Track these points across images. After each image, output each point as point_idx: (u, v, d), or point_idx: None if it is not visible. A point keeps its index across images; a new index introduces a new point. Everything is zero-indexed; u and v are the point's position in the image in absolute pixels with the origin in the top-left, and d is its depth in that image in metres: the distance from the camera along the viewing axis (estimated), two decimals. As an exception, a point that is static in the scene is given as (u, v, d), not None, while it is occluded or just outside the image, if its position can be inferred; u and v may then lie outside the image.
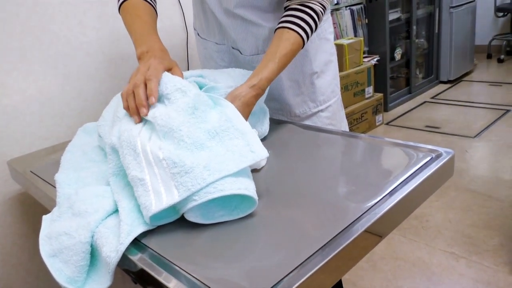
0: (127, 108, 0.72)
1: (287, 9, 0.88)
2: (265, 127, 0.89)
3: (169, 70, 0.76)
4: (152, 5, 0.94)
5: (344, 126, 1.14)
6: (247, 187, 0.60)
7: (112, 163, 0.67)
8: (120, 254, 0.55)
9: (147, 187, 0.58)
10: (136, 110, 0.70)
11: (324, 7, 0.88)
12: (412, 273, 1.60)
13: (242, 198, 0.60)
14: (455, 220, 1.87)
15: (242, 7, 0.92)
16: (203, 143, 0.63)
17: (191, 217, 0.59)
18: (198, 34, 1.11)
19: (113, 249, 0.56)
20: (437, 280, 1.55)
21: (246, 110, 0.78)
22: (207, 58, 1.09)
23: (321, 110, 1.05)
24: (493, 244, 1.69)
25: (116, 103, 0.80)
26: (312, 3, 0.86)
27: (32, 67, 1.18)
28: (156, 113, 0.67)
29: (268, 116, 0.91)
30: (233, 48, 1.00)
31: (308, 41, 0.96)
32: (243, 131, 0.66)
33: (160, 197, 0.57)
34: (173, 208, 0.59)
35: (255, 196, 0.60)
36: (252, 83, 0.80)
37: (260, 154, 0.64)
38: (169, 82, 0.71)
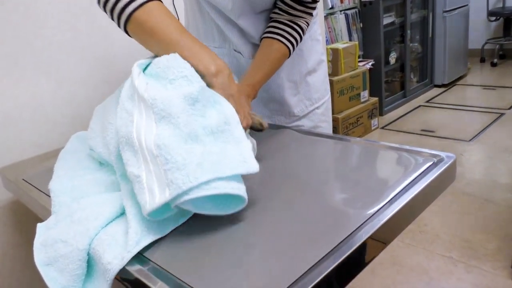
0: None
1: (276, 21, 0.93)
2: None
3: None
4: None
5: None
6: (239, 187, 0.59)
7: (119, 169, 0.66)
8: (125, 262, 0.54)
9: (143, 184, 0.57)
10: None
11: (308, 24, 0.96)
12: (410, 278, 1.59)
13: (229, 197, 0.60)
14: (452, 224, 1.87)
15: (244, 16, 0.93)
16: (198, 136, 0.62)
17: (183, 205, 0.57)
18: (193, 41, 1.09)
19: (116, 256, 0.55)
20: (435, 285, 1.54)
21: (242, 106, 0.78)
22: None
23: (317, 108, 1.10)
24: (491, 248, 1.68)
25: (102, 113, 0.79)
26: (301, 22, 0.93)
27: (24, 73, 1.16)
28: (157, 95, 0.64)
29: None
30: (235, 50, 1.01)
31: (303, 42, 0.99)
32: (238, 139, 0.65)
33: (153, 195, 0.56)
34: (169, 204, 0.58)
35: (246, 196, 0.59)
36: (249, 83, 0.87)
37: (252, 166, 0.61)
38: (177, 67, 0.67)
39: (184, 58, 0.69)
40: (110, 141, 0.67)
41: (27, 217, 1.18)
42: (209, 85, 0.69)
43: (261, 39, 0.94)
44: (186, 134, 0.61)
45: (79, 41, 1.26)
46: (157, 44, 0.71)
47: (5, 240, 1.17)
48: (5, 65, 1.12)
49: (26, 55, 1.15)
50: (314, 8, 0.94)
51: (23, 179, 0.93)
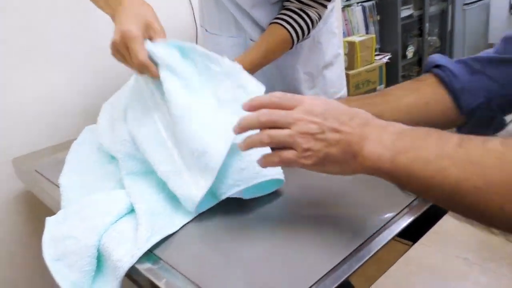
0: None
1: (286, 8, 0.91)
2: None
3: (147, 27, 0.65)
4: None
5: None
6: (280, 172, 0.61)
7: (126, 165, 0.64)
8: (134, 260, 0.53)
9: (184, 179, 0.58)
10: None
11: (320, 16, 0.92)
12: (423, 279, 1.56)
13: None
14: (469, 225, 1.83)
15: (257, 7, 0.92)
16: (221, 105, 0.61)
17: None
18: (207, 30, 1.08)
19: (126, 253, 0.54)
20: (450, 287, 1.51)
21: None
22: (219, 54, 1.07)
23: None
24: (509, 251, 1.64)
25: (110, 110, 0.78)
26: (311, 12, 0.90)
27: (38, 65, 1.15)
28: (171, 97, 0.61)
29: None
30: (251, 40, 0.99)
31: (319, 34, 0.97)
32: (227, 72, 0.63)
33: (199, 186, 0.57)
34: (213, 194, 0.59)
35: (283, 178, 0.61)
36: (239, 60, 0.84)
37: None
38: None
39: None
40: (118, 139, 0.66)
41: (40, 207, 1.18)
42: None
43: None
44: (214, 109, 0.60)
45: (92, 32, 1.25)
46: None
47: (18, 229, 1.18)
48: (18, 56, 1.12)
49: (39, 47, 1.15)
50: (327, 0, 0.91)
51: (36, 170, 0.92)
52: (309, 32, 0.92)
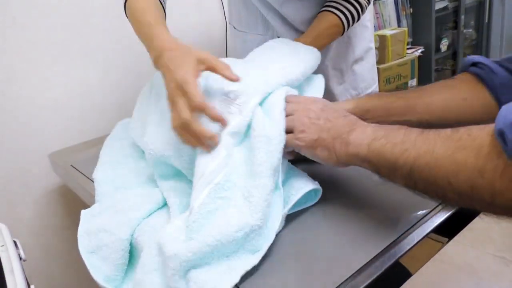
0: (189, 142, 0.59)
1: None
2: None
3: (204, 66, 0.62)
4: (160, 2, 0.84)
5: None
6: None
7: (159, 168, 0.65)
8: None
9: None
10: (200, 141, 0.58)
11: (369, 1, 0.91)
12: (457, 278, 1.51)
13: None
14: (505, 221, 1.76)
15: (287, 4, 0.91)
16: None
17: None
18: (235, 28, 1.08)
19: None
20: (485, 286, 1.46)
21: None
22: (247, 52, 1.06)
23: None
24: (549, 250, 1.57)
25: (141, 101, 0.81)
26: None
27: (73, 61, 1.19)
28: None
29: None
30: (278, 37, 0.98)
31: (350, 29, 0.95)
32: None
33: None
34: None
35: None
36: None
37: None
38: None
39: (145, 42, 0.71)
40: (149, 145, 0.66)
41: (75, 201, 1.23)
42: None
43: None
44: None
45: (126, 29, 1.27)
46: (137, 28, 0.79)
47: (54, 222, 1.22)
48: (54, 53, 1.15)
49: (74, 43, 1.18)
50: None
51: (71, 165, 0.95)
52: (359, 17, 0.90)
